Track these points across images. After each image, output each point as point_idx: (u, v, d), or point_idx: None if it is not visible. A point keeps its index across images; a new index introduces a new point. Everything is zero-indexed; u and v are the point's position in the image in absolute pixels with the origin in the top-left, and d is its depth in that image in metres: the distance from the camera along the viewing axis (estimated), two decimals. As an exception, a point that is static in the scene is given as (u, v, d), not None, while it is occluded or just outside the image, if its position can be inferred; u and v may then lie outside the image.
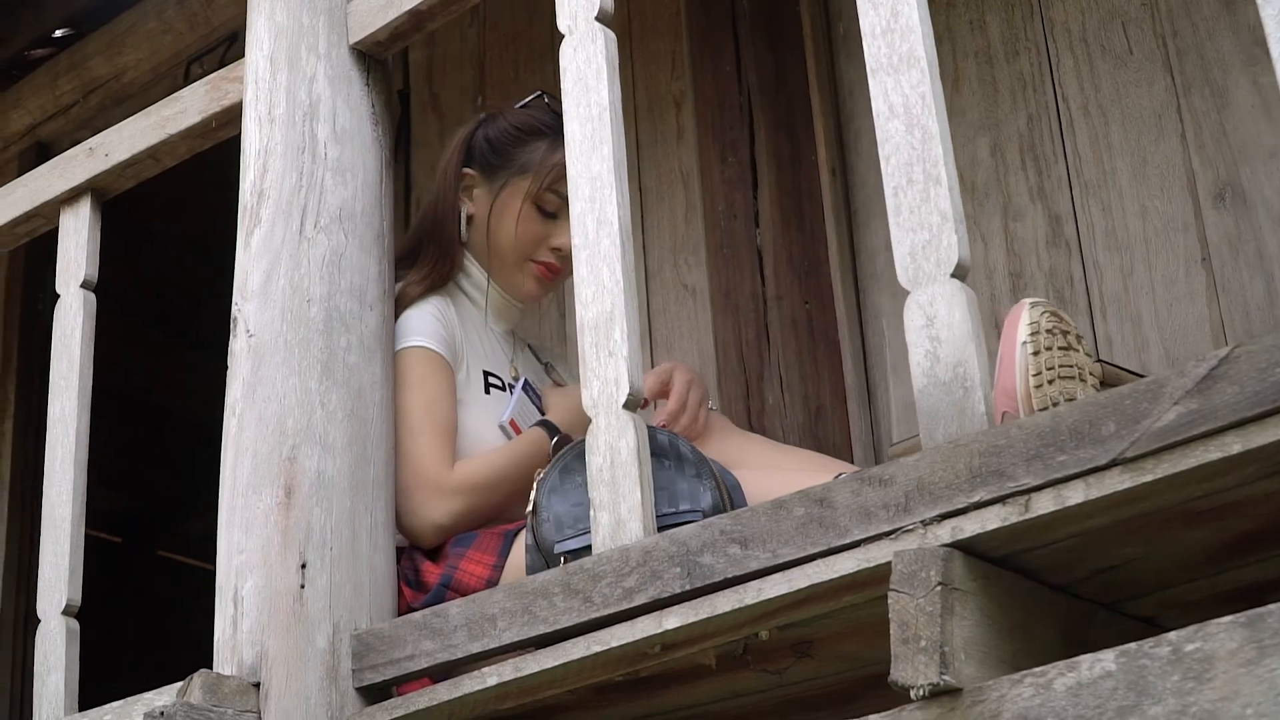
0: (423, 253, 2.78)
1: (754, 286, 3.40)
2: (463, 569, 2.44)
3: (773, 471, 2.39)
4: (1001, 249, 3.29)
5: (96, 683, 3.26)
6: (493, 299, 2.84)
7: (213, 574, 2.54)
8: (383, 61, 2.69)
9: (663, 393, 2.69)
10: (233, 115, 2.77)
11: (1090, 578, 1.95)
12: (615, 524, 2.10)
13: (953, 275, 1.91)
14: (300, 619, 2.28)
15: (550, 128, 2.82)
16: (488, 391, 2.71)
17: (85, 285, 2.88)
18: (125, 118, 4.90)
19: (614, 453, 2.12)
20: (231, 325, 2.51)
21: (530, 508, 2.31)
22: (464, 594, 2.41)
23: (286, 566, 2.31)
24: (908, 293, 1.93)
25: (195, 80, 4.73)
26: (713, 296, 3.50)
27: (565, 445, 2.61)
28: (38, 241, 3.21)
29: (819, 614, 1.95)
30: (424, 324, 2.67)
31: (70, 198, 2.96)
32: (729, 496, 2.25)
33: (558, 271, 2.82)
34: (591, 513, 2.13)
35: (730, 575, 1.97)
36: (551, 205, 2.79)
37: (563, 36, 2.36)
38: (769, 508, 1.96)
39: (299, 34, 2.62)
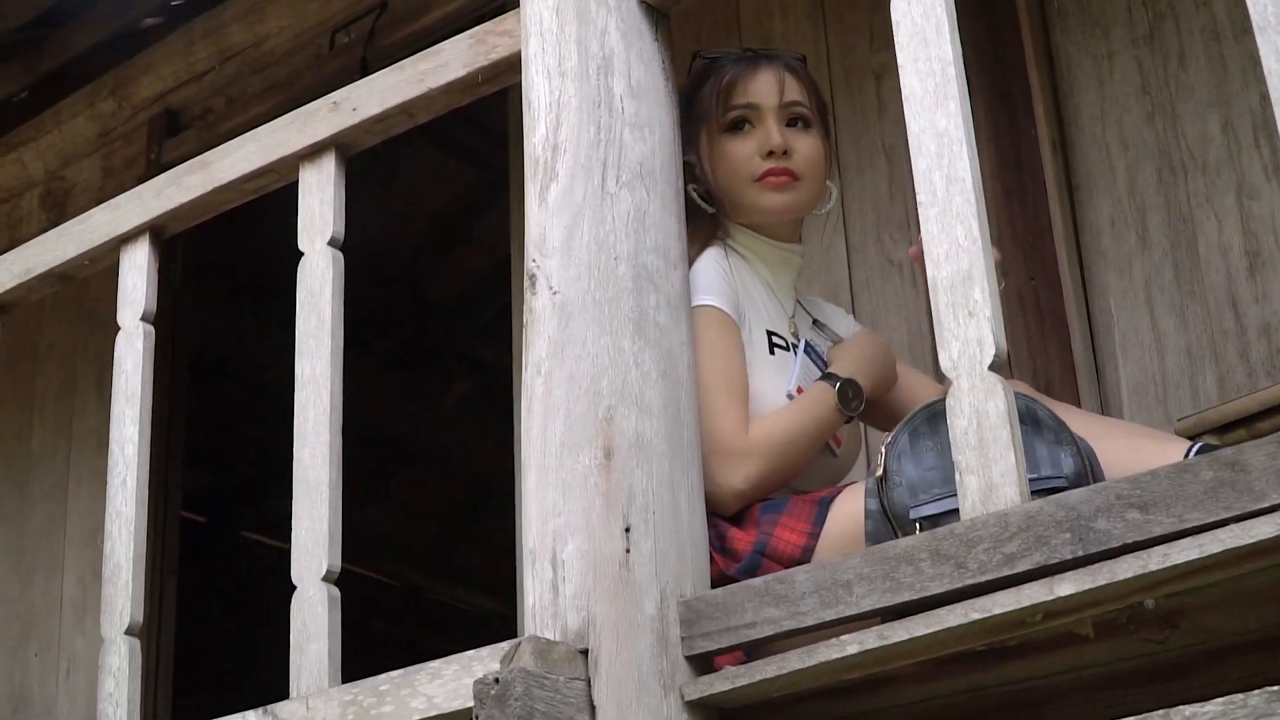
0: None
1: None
2: (777, 536, 2.37)
3: (1112, 439, 2.32)
4: (1237, 227, 3.23)
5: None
6: (766, 252, 2.77)
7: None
8: (668, 16, 2.62)
9: None
10: (500, 70, 2.70)
11: None
12: (986, 488, 2.03)
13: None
14: (628, 584, 2.21)
15: (705, 71, 2.81)
16: (772, 352, 2.64)
17: (332, 243, 2.81)
18: (263, 86, 4.88)
19: (981, 415, 2.05)
20: (527, 282, 2.44)
21: (880, 473, 2.24)
22: (780, 561, 2.35)
23: (610, 530, 2.24)
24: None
25: (341, 48, 4.70)
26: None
27: (851, 390, 2.54)
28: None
29: (1211, 582, 1.90)
30: (710, 280, 2.60)
31: (312, 153, 2.88)
32: (1089, 463, 2.18)
33: (784, 173, 2.72)
34: (957, 476, 2.06)
35: (1129, 541, 1.91)
36: (737, 116, 2.74)
37: (881, -10, 2.31)
38: (1172, 471, 1.91)
39: (587, -15, 2.55)
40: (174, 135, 5.01)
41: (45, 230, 3.37)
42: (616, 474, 2.26)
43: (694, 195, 2.73)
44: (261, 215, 3.55)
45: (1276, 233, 3.18)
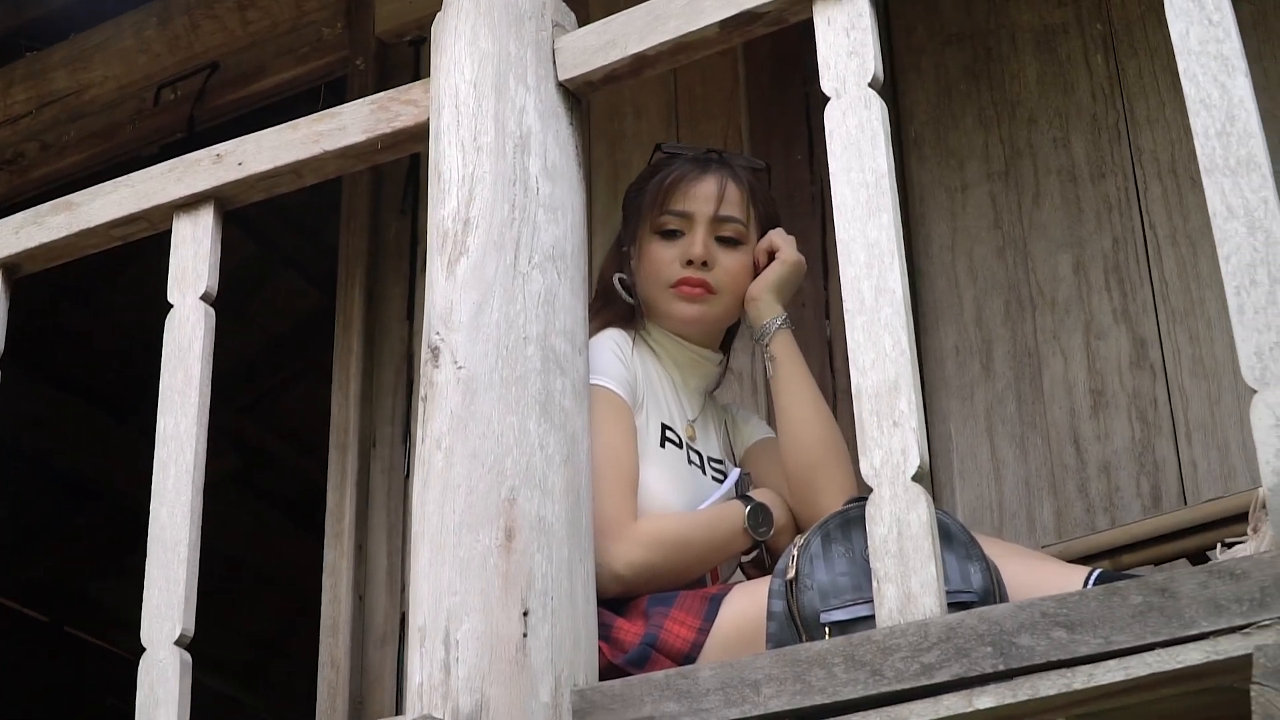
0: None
1: (824, 378, 3.37)
2: (667, 629, 2.35)
3: (1008, 559, 2.35)
4: (1083, 365, 3.32)
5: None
6: (679, 355, 2.78)
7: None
8: (582, 101, 2.61)
9: None
10: (402, 138, 2.66)
11: None
12: (904, 598, 2.04)
13: (1304, 376, 1.92)
14: (523, 669, 2.16)
15: (657, 167, 2.85)
16: (663, 445, 2.63)
17: (205, 298, 2.72)
18: (80, 135, 4.74)
19: (902, 525, 2.07)
20: (429, 354, 2.39)
21: (790, 575, 2.23)
22: (669, 655, 2.34)
23: (508, 613, 2.19)
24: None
25: (166, 104, 4.60)
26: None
27: (761, 515, 2.55)
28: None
29: (1129, 705, 1.93)
30: (603, 361, 2.60)
31: (189, 204, 2.79)
32: (996, 581, 2.21)
33: (698, 284, 2.75)
34: (874, 584, 2.06)
35: (1054, 659, 1.93)
36: (672, 224, 2.78)
37: (827, 99, 2.33)
38: (1101, 594, 1.94)
39: (506, 63, 2.52)
40: (-20, 178, 4.84)
41: None
42: (517, 556, 2.22)
43: (618, 285, 2.74)
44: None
45: (1122, 375, 3.28)
